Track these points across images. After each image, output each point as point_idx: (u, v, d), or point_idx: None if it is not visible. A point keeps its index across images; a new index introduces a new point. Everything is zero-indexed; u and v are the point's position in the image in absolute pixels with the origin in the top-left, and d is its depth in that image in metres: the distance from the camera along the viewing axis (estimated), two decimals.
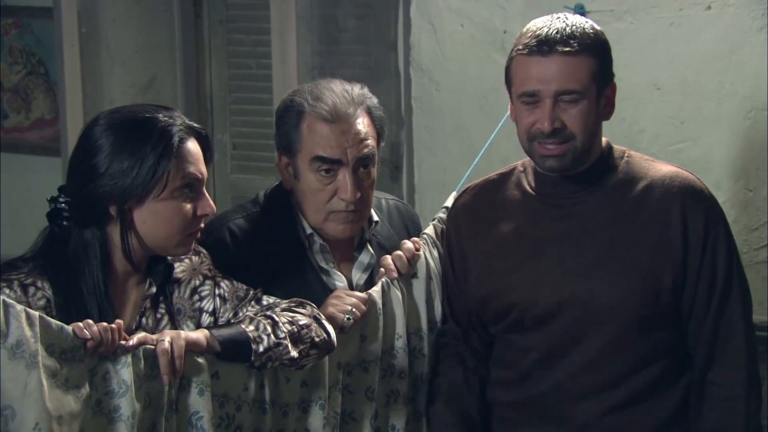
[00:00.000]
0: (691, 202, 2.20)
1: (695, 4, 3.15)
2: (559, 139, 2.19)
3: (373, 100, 2.37)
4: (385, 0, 3.85)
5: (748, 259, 3.09)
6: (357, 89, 2.35)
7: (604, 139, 2.28)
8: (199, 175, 2.04)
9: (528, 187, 2.31)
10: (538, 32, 2.18)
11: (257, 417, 2.08)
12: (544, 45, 2.16)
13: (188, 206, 2.02)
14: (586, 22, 2.21)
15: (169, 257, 2.10)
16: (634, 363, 2.20)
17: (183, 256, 2.13)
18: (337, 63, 3.99)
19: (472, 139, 3.45)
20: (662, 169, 2.25)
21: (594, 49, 2.17)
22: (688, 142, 3.19)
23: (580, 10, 3.10)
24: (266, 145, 4.17)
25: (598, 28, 2.22)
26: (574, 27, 2.17)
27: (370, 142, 2.32)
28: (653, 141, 3.21)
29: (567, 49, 2.15)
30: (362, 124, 2.31)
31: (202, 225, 2.09)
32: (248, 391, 2.04)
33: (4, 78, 4.33)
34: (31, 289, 1.94)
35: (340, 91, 2.33)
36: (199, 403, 1.94)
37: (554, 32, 2.16)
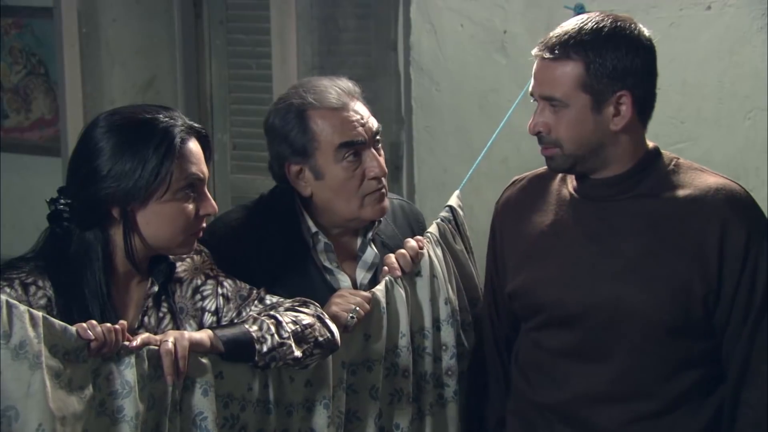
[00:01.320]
0: (734, 216, 2.13)
1: (695, 4, 3.15)
2: (544, 143, 2.19)
3: (357, 86, 2.40)
4: (385, 0, 3.85)
5: None
6: (340, 80, 2.39)
7: (651, 144, 2.24)
8: (201, 175, 2.04)
9: (570, 186, 2.28)
10: (550, 33, 2.17)
11: (262, 417, 2.07)
12: (541, 48, 2.16)
13: (190, 206, 2.02)
14: (605, 27, 2.13)
15: (170, 256, 2.10)
16: (662, 372, 2.16)
17: (184, 256, 2.13)
18: (337, 63, 3.99)
19: (472, 139, 3.45)
20: (709, 179, 2.19)
21: (585, 57, 2.12)
22: (688, 142, 3.19)
23: (580, 10, 3.09)
24: (266, 145, 4.17)
25: (624, 32, 2.13)
26: (573, 32, 2.13)
27: (374, 121, 2.37)
28: (653, 141, 3.20)
29: (548, 55, 2.14)
30: (360, 105, 2.36)
31: (204, 225, 2.09)
32: (252, 391, 2.04)
33: (4, 78, 4.32)
34: (32, 288, 1.94)
35: (329, 82, 2.37)
36: (204, 403, 1.94)
37: (556, 36, 2.15)
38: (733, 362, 2.16)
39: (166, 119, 2.00)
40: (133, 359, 1.84)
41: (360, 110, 2.34)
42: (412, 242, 2.38)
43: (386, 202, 2.39)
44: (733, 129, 3.15)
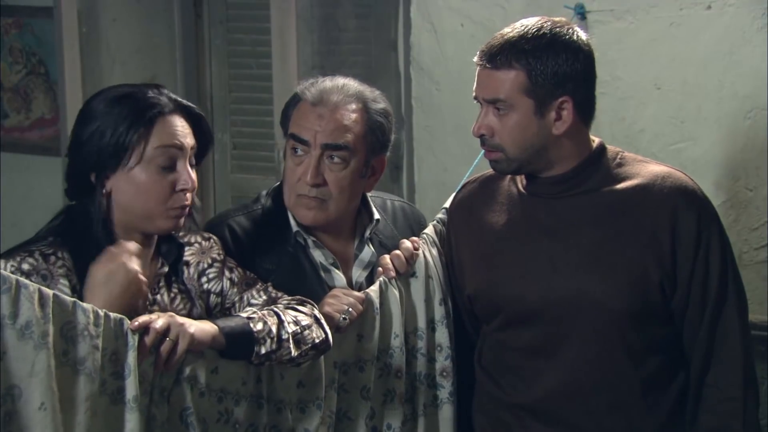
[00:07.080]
0: (683, 203, 2.19)
1: (695, 4, 3.15)
2: (487, 146, 2.22)
3: (377, 105, 2.35)
4: (385, 0, 3.85)
5: (748, 259, 3.09)
6: (361, 87, 2.36)
7: (596, 140, 2.28)
8: (177, 143, 2.03)
9: (520, 185, 2.31)
10: (489, 42, 2.20)
11: (254, 412, 2.08)
12: (482, 57, 2.19)
13: (167, 179, 2.02)
14: (545, 34, 2.17)
15: (179, 238, 2.12)
16: (627, 360, 2.20)
17: (192, 241, 2.15)
18: (337, 63, 3.99)
19: (472, 139, 3.41)
20: (654, 169, 2.24)
21: (527, 65, 2.15)
22: (688, 142, 3.19)
23: (580, 10, 3.09)
24: (266, 145, 4.17)
25: (563, 38, 2.17)
26: (514, 40, 2.16)
27: (349, 135, 2.30)
28: (653, 141, 3.21)
29: (489, 65, 2.17)
30: (346, 116, 2.31)
31: (188, 202, 2.06)
32: (246, 385, 2.05)
33: (4, 78, 4.32)
34: (52, 258, 1.95)
35: (338, 83, 2.35)
36: (191, 398, 1.95)
37: (497, 44, 2.17)
38: (695, 346, 2.22)
39: (153, 94, 2.03)
40: (135, 341, 1.84)
41: (334, 116, 2.29)
42: (407, 243, 2.37)
43: (314, 213, 2.32)
44: (733, 129, 3.14)
